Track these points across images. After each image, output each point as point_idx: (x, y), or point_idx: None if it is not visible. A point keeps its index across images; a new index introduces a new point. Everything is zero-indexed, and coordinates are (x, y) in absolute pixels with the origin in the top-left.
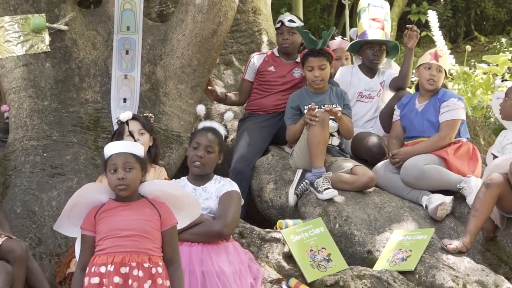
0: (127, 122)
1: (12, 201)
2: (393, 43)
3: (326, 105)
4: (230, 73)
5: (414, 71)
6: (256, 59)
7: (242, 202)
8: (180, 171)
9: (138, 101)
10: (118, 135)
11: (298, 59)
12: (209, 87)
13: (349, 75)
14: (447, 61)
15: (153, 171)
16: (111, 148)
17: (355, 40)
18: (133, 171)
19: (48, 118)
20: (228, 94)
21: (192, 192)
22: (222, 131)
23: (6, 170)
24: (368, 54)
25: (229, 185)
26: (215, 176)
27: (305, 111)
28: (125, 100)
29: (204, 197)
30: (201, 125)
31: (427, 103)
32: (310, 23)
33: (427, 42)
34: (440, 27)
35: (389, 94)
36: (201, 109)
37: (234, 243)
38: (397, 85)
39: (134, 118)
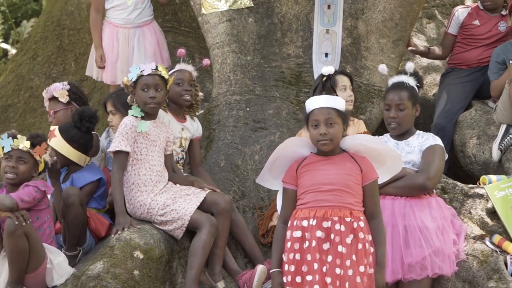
0: (329, 77)
1: (216, 155)
2: None
3: None
4: (433, 27)
5: None
6: (460, 13)
7: (446, 156)
8: (382, 125)
9: (339, 56)
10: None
11: (504, 12)
12: (409, 48)
13: None
14: None
15: (352, 124)
16: (313, 103)
17: None
18: (335, 126)
19: (251, 73)
20: (431, 48)
21: (394, 146)
22: (412, 82)
23: (210, 124)
24: None
25: (432, 139)
26: (418, 131)
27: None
28: (326, 54)
29: (406, 151)
30: (390, 82)
31: None
32: None
33: None
34: None
35: None
36: (383, 68)
37: (437, 198)
38: None
39: (344, 73)
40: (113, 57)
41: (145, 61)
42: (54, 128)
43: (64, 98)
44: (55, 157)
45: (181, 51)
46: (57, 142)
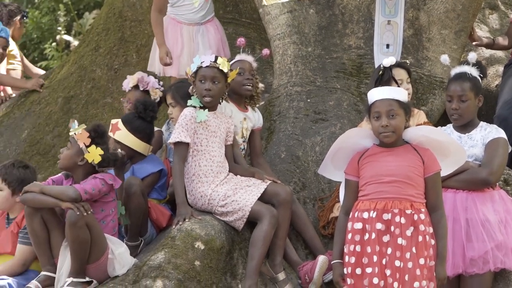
0: (390, 68)
1: (276, 146)
2: None
3: None
4: (495, 17)
5: None
6: None
7: (510, 149)
8: (443, 117)
9: (401, 47)
10: (380, 81)
11: None
12: (474, 43)
13: None
14: None
15: (412, 115)
16: (375, 94)
17: None
18: (397, 118)
19: (311, 64)
20: (495, 38)
21: (457, 140)
22: (474, 73)
23: (270, 115)
24: None
25: (495, 132)
26: (481, 123)
27: None
28: (388, 46)
29: (469, 145)
30: (452, 73)
31: None
32: None
33: None
34: None
35: None
36: (445, 59)
37: (500, 191)
38: None
39: (402, 66)
40: (177, 52)
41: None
42: (117, 121)
43: (156, 96)
44: (121, 151)
45: (241, 40)
46: (122, 134)
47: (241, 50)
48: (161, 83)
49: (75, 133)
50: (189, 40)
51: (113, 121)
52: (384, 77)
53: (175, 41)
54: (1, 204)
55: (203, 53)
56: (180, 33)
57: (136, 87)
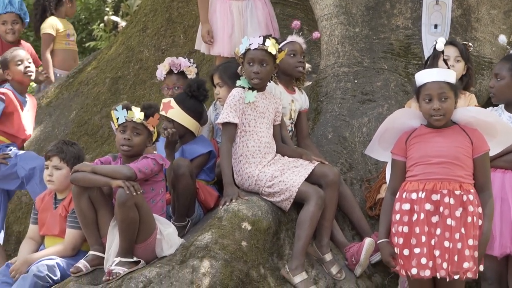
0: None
1: (323, 127)
2: None
3: None
4: None
5: None
6: None
7: None
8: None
9: (449, 27)
10: (433, 60)
11: None
12: None
13: None
14: None
15: (463, 98)
16: (425, 76)
17: None
18: (448, 101)
19: (359, 45)
20: None
21: (507, 120)
22: None
23: (317, 96)
24: None
25: None
26: None
27: None
28: (436, 26)
29: None
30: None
31: None
32: None
33: None
34: None
35: None
36: (502, 39)
37: None
38: None
39: (453, 43)
40: (229, 30)
41: (259, 32)
42: (169, 100)
43: (191, 74)
44: (173, 129)
45: (296, 23)
46: (176, 112)
47: (294, 32)
48: (192, 60)
49: (142, 119)
50: (239, 16)
51: (165, 100)
52: (435, 59)
53: (225, 19)
54: (60, 183)
55: (252, 29)
56: (230, 10)
57: (170, 72)
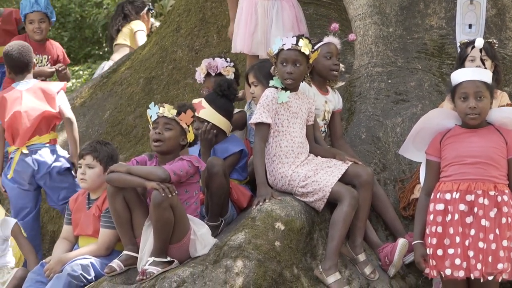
0: (472, 48)
1: (357, 127)
2: None
3: None
4: None
5: None
6: None
7: None
8: None
9: (483, 27)
10: (459, 62)
11: None
12: None
13: None
14: None
15: (495, 96)
16: (461, 75)
17: None
18: (484, 100)
19: (392, 45)
20: None
21: None
22: None
23: (351, 96)
24: None
25: None
26: None
27: None
28: (470, 26)
29: None
30: None
31: None
32: None
33: None
34: None
35: None
36: None
37: None
38: None
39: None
40: (251, 28)
41: (283, 34)
42: (200, 100)
43: (229, 74)
44: (211, 129)
45: (335, 26)
46: (207, 112)
47: (332, 34)
48: (228, 59)
49: (175, 115)
50: (263, 16)
51: (195, 100)
52: (462, 56)
53: (249, 18)
54: (93, 181)
55: (276, 30)
56: (255, 9)
57: (208, 74)
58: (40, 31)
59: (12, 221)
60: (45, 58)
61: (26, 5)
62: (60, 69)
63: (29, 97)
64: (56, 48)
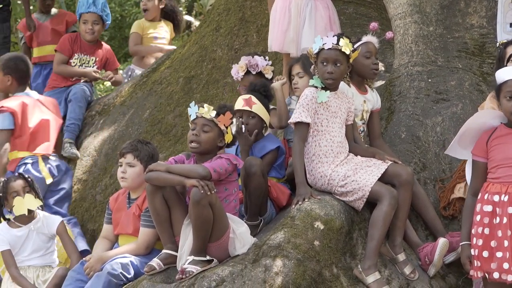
0: (504, 45)
1: (397, 126)
2: None
3: None
4: None
5: None
6: None
7: None
8: None
9: None
10: (499, 63)
11: None
12: None
13: None
14: None
15: None
16: (506, 73)
17: None
18: None
19: (433, 44)
20: None
21: None
22: None
23: (391, 95)
24: None
25: None
26: None
27: None
28: (511, 25)
29: None
30: None
31: None
32: None
33: None
34: None
35: None
36: None
37: None
38: None
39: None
40: (284, 26)
41: (315, 34)
42: (249, 96)
43: (269, 73)
44: (262, 123)
45: (374, 25)
46: (260, 108)
47: (372, 33)
48: (267, 57)
49: (213, 116)
50: (296, 14)
51: (245, 96)
52: (501, 56)
53: (282, 15)
54: (133, 180)
55: (308, 29)
56: (289, 7)
57: (248, 72)
58: (92, 32)
59: (58, 219)
60: (92, 60)
61: (83, 4)
62: (107, 79)
63: (43, 107)
64: (106, 51)
